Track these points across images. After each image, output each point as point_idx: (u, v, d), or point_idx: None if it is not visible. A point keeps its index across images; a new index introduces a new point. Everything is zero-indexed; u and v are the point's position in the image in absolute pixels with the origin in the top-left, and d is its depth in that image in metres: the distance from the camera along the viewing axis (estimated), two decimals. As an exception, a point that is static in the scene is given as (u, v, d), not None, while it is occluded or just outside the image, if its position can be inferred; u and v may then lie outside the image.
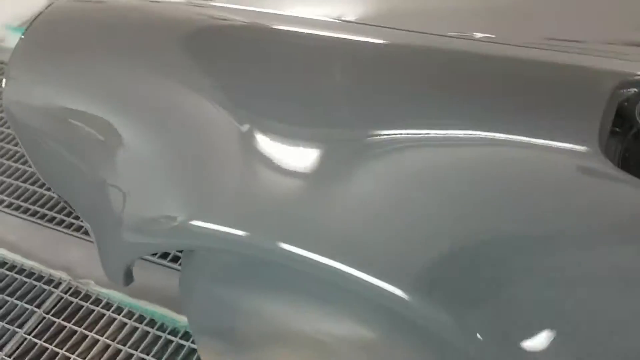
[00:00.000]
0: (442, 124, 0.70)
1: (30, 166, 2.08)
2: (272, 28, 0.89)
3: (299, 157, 0.79)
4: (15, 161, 2.11)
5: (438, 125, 0.71)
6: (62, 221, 1.89)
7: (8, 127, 2.23)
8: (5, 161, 2.11)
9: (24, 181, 2.04)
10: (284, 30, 0.88)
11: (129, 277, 1.04)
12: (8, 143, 2.18)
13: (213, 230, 0.85)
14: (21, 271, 1.76)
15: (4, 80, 1.02)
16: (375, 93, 0.79)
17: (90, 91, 0.94)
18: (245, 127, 0.82)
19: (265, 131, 0.81)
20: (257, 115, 0.83)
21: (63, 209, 1.93)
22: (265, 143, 0.81)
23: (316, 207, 0.78)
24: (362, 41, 0.85)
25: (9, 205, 1.96)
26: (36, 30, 1.00)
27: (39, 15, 1.01)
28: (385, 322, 0.89)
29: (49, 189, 1.99)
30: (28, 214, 1.93)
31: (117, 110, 0.92)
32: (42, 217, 1.91)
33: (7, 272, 1.75)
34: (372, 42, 0.85)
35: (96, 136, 0.93)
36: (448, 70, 0.74)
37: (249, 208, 0.82)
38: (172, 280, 1.65)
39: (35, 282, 1.72)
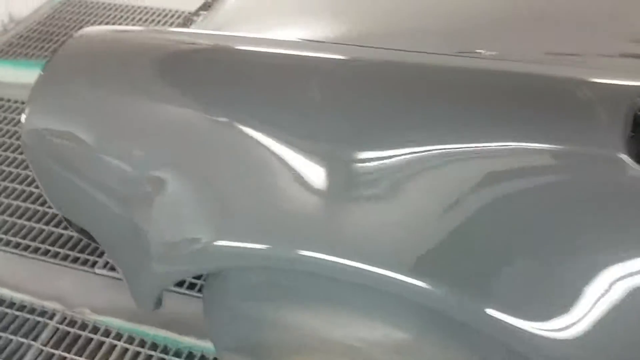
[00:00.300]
0: (475, 135, 0.77)
1: (5, 197, 2.03)
2: (299, 55, 0.93)
3: (318, 167, 0.84)
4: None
5: (471, 136, 0.77)
6: (48, 251, 1.86)
7: (-24, 159, 2.17)
8: (-19, 194, 2.05)
9: (1, 213, 1.99)
10: (307, 56, 0.93)
11: (159, 302, 1.06)
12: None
13: (243, 248, 0.89)
14: (11, 305, 1.72)
15: (23, 114, 1.02)
16: (386, 108, 0.85)
17: (114, 124, 0.96)
18: (263, 143, 0.86)
19: (283, 145, 0.86)
20: (274, 130, 0.86)
21: (47, 238, 1.90)
22: (285, 157, 0.85)
23: (347, 213, 0.83)
24: (383, 62, 0.91)
25: (-11, 239, 1.91)
26: (57, 63, 1.01)
27: (59, 49, 1.02)
28: (418, 323, 0.95)
29: (29, 220, 1.95)
30: (10, 246, 1.88)
31: (140, 142, 0.94)
32: (26, 248, 1.87)
33: (-3, 307, 1.71)
34: (390, 63, 0.91)
35: (121, 169, 0.95)
36: (479, 87, 0.81)
37: (274, 221, 0.86)
38: (170, 302, 1.66)
39: (27, 315, 1.68)
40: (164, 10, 2.99)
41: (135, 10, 2.99)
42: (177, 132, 0.91)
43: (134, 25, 2.88)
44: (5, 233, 1.92)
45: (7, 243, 1.89)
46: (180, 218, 0.93)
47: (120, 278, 1.75)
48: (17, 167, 2.15)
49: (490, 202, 0.76)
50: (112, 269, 1.79)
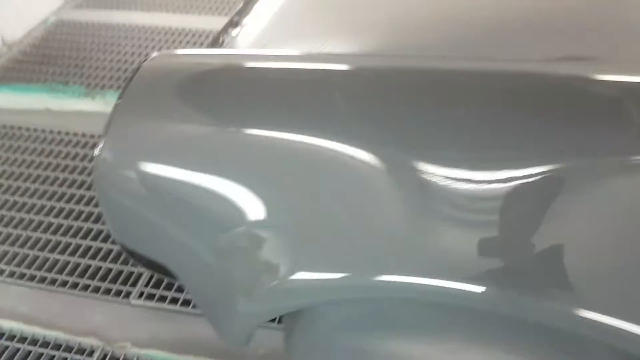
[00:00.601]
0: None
1: (29, 230, 1.93)
2: (397, 68, 0.90)
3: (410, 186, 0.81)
4: (14, 227, 1.96)
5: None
6: (76, 283, 1.77)
7: (-13, 190, 2.07)
8: (1, 228, 1.95)
9: (21, 246, 1.89)
10: (395, 71, 0.90)
11: (250, 337, 1.00)
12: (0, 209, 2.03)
13: (345, 278, 0.85)
14: (45, 344, 1.63)
15: (98, 146, 0.95)
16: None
17: (202, 158, 0.90)
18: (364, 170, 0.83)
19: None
20: (369, 151, 0.83)
21: (74, 270, 1.81)
22: (384, 180, 0.82)
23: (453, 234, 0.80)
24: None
25: (12, 274, 1.81)
26: (134, 93, 0.94)
27: (133, 77, 0.95)
28: (532, 342, 0.92)
29: (52, 251, 1.86)
30: (35, 280, 1.79)
31: (229, 174, 0.89)
32: (53, 282, 1.78)
33: (30, 347, 1.61)
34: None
35: (209, 205, 0.90)
36: (538, 95, 0.81)
37: (377, 248, 0.83)
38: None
39: (65, 354, 1.59)
40: (156, 28, 2.92)
41: (132, 30, 2.92)
42: (266, 161, 0.86)
43: (133, 45, 2.80)
44: (29, 267, 1.83)
45: (32, 277, 1.80)
46: (275, 252, 0.88)
47: (157, 308, 1.69)
48: (31, 196, 2.06)
49: (606, 206, 0.75)
50: (148, 298, 1.72)
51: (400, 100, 0.85)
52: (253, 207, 0.87)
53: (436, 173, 0.80)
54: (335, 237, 0.84)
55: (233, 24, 1.67)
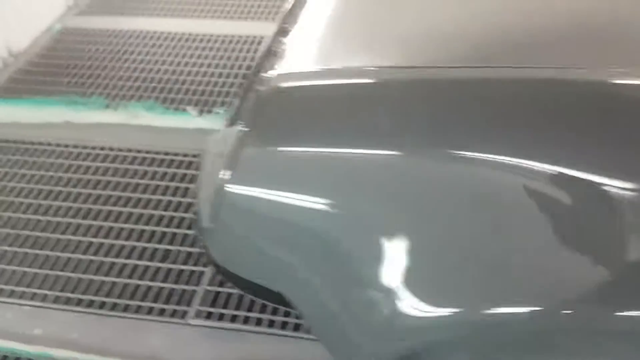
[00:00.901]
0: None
1: (68, 251, 1.83)
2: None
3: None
4: (51, 249, 1.84)
5: None
6: (127, 306, 1.68)
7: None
8: (38, 251, 1.84)
9: (62, 269, 1.78)
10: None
11: None
12: (32, 230, 1.91)
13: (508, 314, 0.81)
14: (103, 372, 1.54)
15: (225, 174, 0.88)
16: None
17: (343, 187, 0.84)
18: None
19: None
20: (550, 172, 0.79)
21: (122, 292, 1.72)
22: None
23: None
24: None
25: (55, 300, 1.71)
26: (261, 118, 0.87)
27: (257, 101, 0.87)
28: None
29: (95, 273, 1.77)
30: (83, 305, 1.69)
31: (373, 202, 0.83)
32: (101, 305, 1.69)
33: (88, 376, 1.53)
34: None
35: (346, 240, 0.84)
36: None
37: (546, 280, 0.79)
38: (276, 345, 1.54)
39: (126, 381, 1.52)
40: (163, 33, 2.82)
41: (142, 36, 2.82)
42: (419, 187, 0.81)
43: (147, 53, 2.70)
44: (73, 291, 1.73)
45: (78, 302, 1.70)
46: (411, 287, 0.83)
47: (218, 327, 1.62)
48: (64, 215, 1.95)
49: None
50: (207, 317, 1.64)
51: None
52: (392, 246, 0.82)
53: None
54: (479, 271, 0.80)
55: (283, 33, 1.60)
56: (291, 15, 1.70)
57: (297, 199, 0.84)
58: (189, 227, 1.89)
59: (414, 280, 0.82)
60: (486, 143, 0.78)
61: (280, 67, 1.15)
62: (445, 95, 0.85)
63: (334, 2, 1.63)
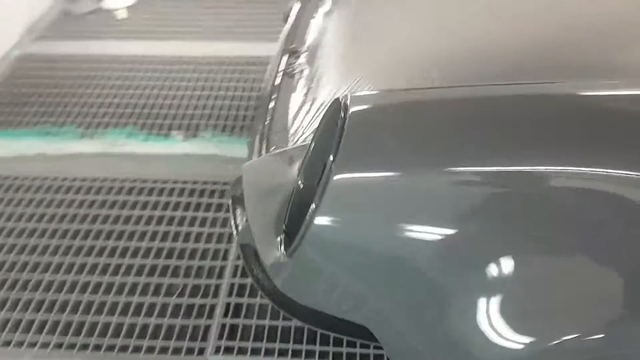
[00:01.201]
0: None
1: (64, 293, 1.71)
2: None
3: None
4: (45, 290, 1.72)
5: None
6: (139, 347, 1.58)
7: None
8: (33, 294, 1.71)
9: (60, 311, 1.66)
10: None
11: None
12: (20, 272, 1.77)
13: None
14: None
15: (313, 208, 0.84)
16: None
17: (438, 218, 0.83)
18: None
19: None
20: None
21: (131, 332, 1.62)
22: None
23: None
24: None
25: (59, 345, 1.58)
26: (349, 151, 0.83)
27: (343, 133, 0.83)
28: None
29: (98, 314, 1.66)
30: (90, 349, 1.58)
31: (468, 240, 0.82)
32: (111, 348, 1.58)
33: None
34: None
35: (440, 276, 0.83)
36: None
37: None
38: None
39: None
40: (131, 57, 2.73)
41: (109, 60, 2.71)
42: (519, 209, 0.81)
43: (117, 78, 2.60)
44: (77, 334, 1.61)
45: (84, 346, 1.59)
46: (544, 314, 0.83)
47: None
48: (52, 254, 1.83)
49: None
50: (227, 352, 1.58)
51: None
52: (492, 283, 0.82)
53: None
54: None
55: (294, 55, 1.57)
56: (296, 37, 1.68)
57: (400, 230, 0.82)
58: (191, 257, 1.82)
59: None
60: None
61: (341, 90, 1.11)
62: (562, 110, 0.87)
63: (345, 20, 1.62)
